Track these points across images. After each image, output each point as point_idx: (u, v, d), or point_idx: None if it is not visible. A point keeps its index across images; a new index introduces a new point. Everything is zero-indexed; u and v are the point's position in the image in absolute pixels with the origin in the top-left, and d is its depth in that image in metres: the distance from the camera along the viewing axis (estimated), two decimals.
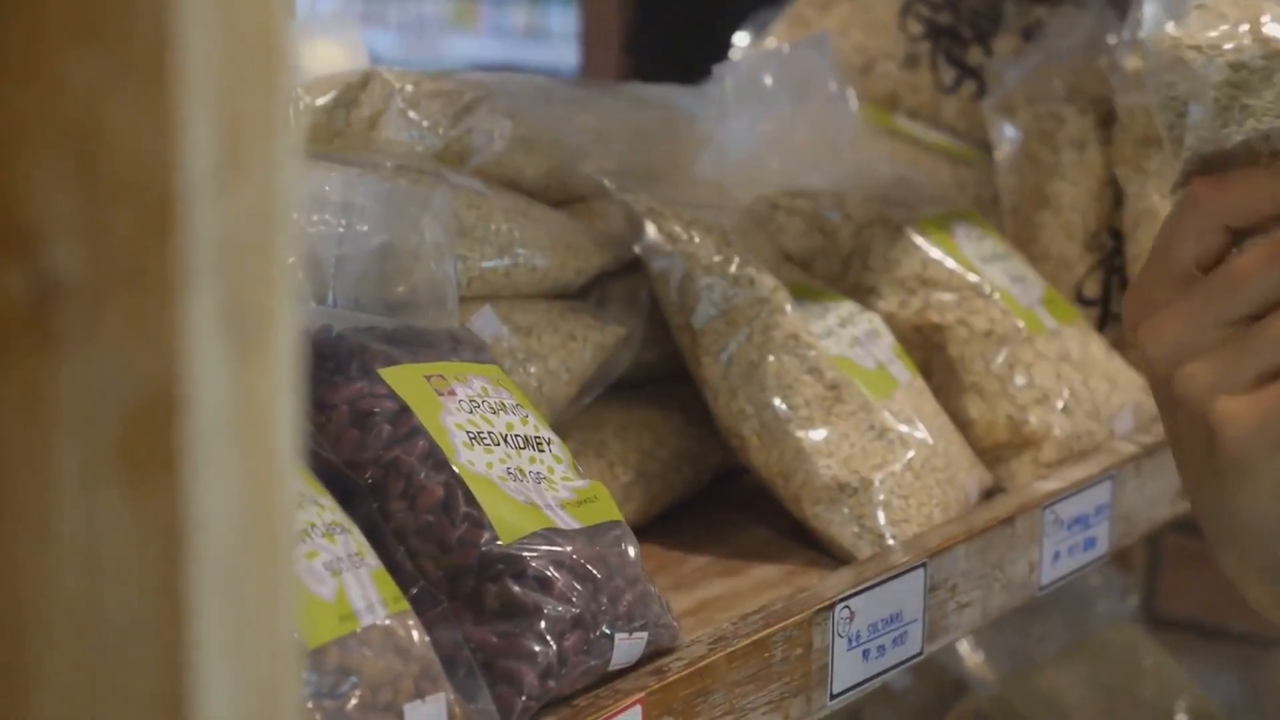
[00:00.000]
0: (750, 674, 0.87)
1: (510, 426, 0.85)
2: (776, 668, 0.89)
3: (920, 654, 1.00)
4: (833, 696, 0.93)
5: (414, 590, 0.79)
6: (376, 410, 0.82)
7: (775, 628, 0.89)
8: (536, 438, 0.86)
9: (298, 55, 0.40)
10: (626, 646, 0.82)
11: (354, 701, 0.71)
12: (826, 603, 0.93)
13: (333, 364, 0.83)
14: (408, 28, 6.06)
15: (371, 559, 0.77)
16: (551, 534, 0.81)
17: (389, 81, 1.06)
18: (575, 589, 0.80)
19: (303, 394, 0.42)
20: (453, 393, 0.84)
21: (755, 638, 0.88)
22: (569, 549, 0.81)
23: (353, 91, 1.07)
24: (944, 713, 1.68)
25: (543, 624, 0.78)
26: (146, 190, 0.39)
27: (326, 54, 1.33)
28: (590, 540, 0.83)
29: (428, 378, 0.84)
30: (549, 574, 0.79)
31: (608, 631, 0.81)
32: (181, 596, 0.40)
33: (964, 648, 1.68)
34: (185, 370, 0.40)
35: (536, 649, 0.78)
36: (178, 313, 0.39)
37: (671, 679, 0.83)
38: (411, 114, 1.05)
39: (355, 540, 0.77)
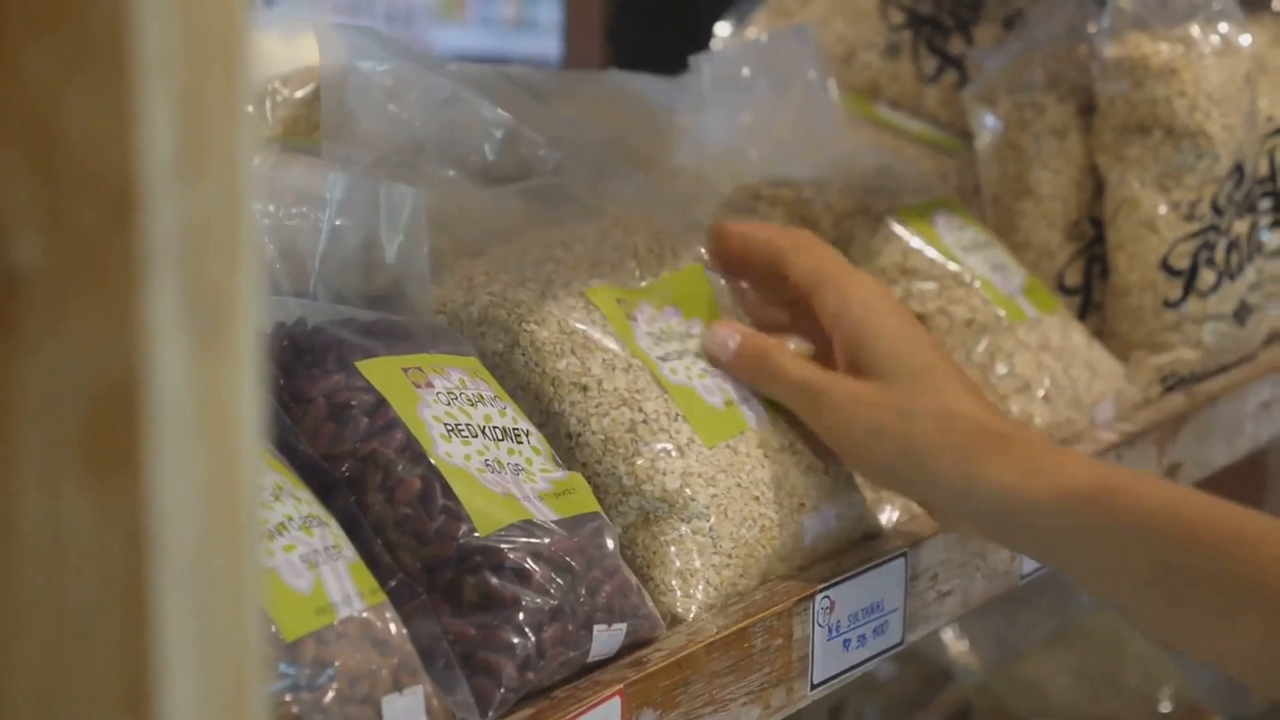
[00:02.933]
0: (730, 664, 0.87)
1: (488, 418, 0.85)
2: (757, 658, 0.89)
3: (901, 643, 1.00)
4: (813, 686, 0.93)
5: (392, 583, 0.79)
6: (353, 403, 0.81)
7: (755, 618, 0.89)
8: (515, 429, 0.86)
9: (258, 46, 0.40)
10: (605, 638, 0.82)
11: (331, 694, 0.71)
12: (806, 592, 0.93)
13: (310, 357, 0.83)
14: (395, 18, 6.06)
15: (349, 551, 0.77)
16: (529, 526, 0.81)
17: (368, 74, 1.06)
18: (553, 581, 0.80)
19: (266, 385, 0.42)
20: (430, 385, 0.84)
21: (735, 628, 0.88)
22: (547, 541, 0.81)
23: None
24: (929, 701, 1.68)
25: (521, 616, 0.78)
26: (106, 181, 0.39)
27: (306, 46, 1.33)
28: (569, 532, 0.83)
29: (405, 370, 0.84)
30: (527, 566, 0.79)
31: (586, 623, 0.81)
32: (144, 588, 0.40)
33: (948, 636, 1.68)
34: (147, 362, 0.39)
35: (515, 641, 0.78)
36: (139, 304, 0.39)
37: (651, 670, 0.83)
38: (391, 107, 1.05)
39: (332, 533, 0.77)
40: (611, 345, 0.93)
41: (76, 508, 0.40)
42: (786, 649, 0.91)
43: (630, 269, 0.98)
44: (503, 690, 0.77)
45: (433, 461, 0.81)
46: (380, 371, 0.83)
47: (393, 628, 0.75)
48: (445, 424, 0.83)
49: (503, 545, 0.79)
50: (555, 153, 1.05)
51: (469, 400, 0.85)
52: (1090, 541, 0.90)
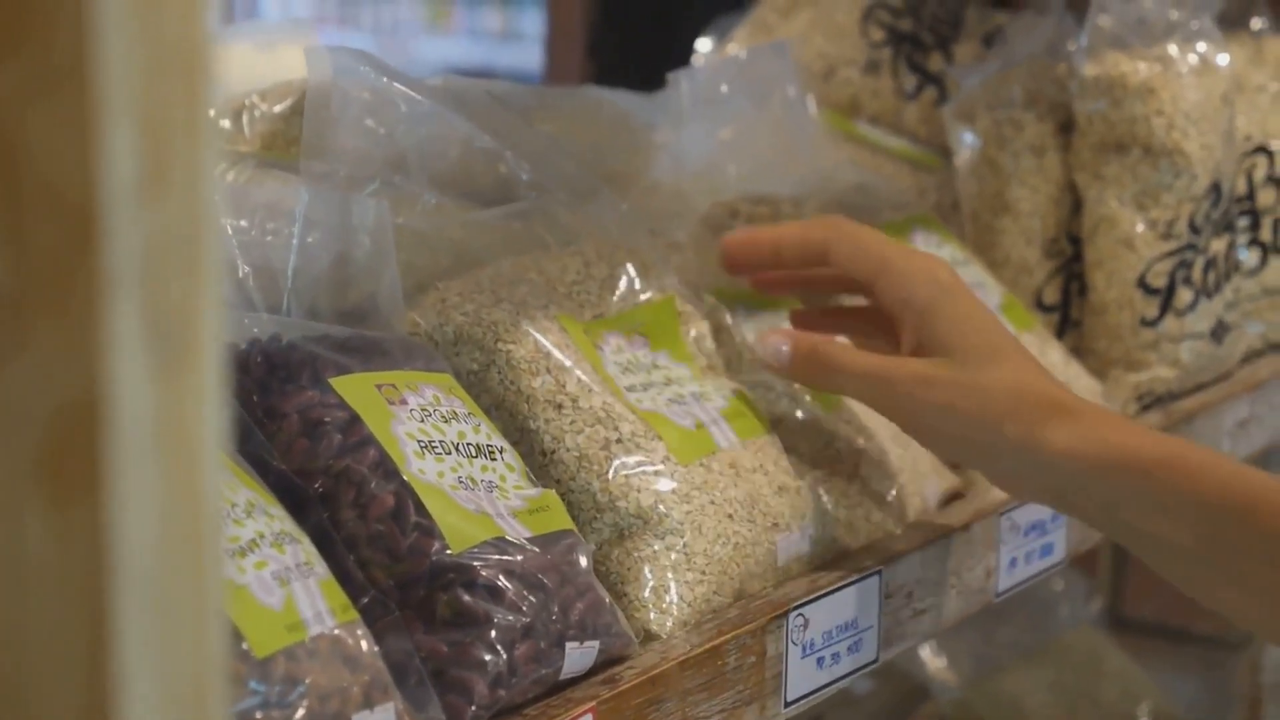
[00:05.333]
0: (703, 682, 0.87)
1: (462, 435, 0.85)
2: (730, 676, 0.89)
3: (876, 661, 1.00)
4: (787, 704, 0.93)
5: (364, 600, 0.79)
6: (327, 419, 0.81)
7: (728, 635, 0.89)
8: (489, 446, 0.86)
9: (221, 66, 0.40)
10: (578, 655, 0.82)
11: (302, 711, 0.71)
12: (780, 610, 0.93)
13: (284, 373, 0.83)
14: (381, 30, 6.06)
15: (320, 568, 0.77)
16: (502, 543, 0.81)
17: (345, 89, 1.06)
18: (526, 598, 0.80)
19: (232, 404, 0.42)
20: (404, 401, 0.84)
21: (708, 645, 0.88)
22: (520, 558, 0.81)
23: None
24: (906, 717, 1.68)
25: (493, 633, 0.78)
26: (69, 202, 0.39)
27: (286, 59, 1.33)
28: (542, 549, 0.83)
29: (379, 386, 0.84)
30: (499, 583, 0.79)
31: (559, 641, 0.81)
32: (106, 609, 0.40)
33: (926, 652, 1.68)
34: (109, 382, 0.39)
35: (487, 658, 0.78)
36: (101, 325, 0.39)
37: (623, 687, 0.83)
38: (368, 121, 1.05)
39: (304, 550, 0.77)
40: (584, 369, 0.93)
41: (37, 529, 0.40)
42: (760, 667, 0.91)
43: (603, 298, 0.98)
44: (474, 708, 0.77)
45: (406, 478, 0.81)
46: (354, 388, 0.83)
47: (364, 645, 0.75)
48: (419, 441, 0.83)
49: (475, 563, 0.79)
50: (537, 175, 1.05)
51: (443, 417, 0.85)
52: (1144, 510, 0.93)
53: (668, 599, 0.89)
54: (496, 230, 1.02)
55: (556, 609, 0.81)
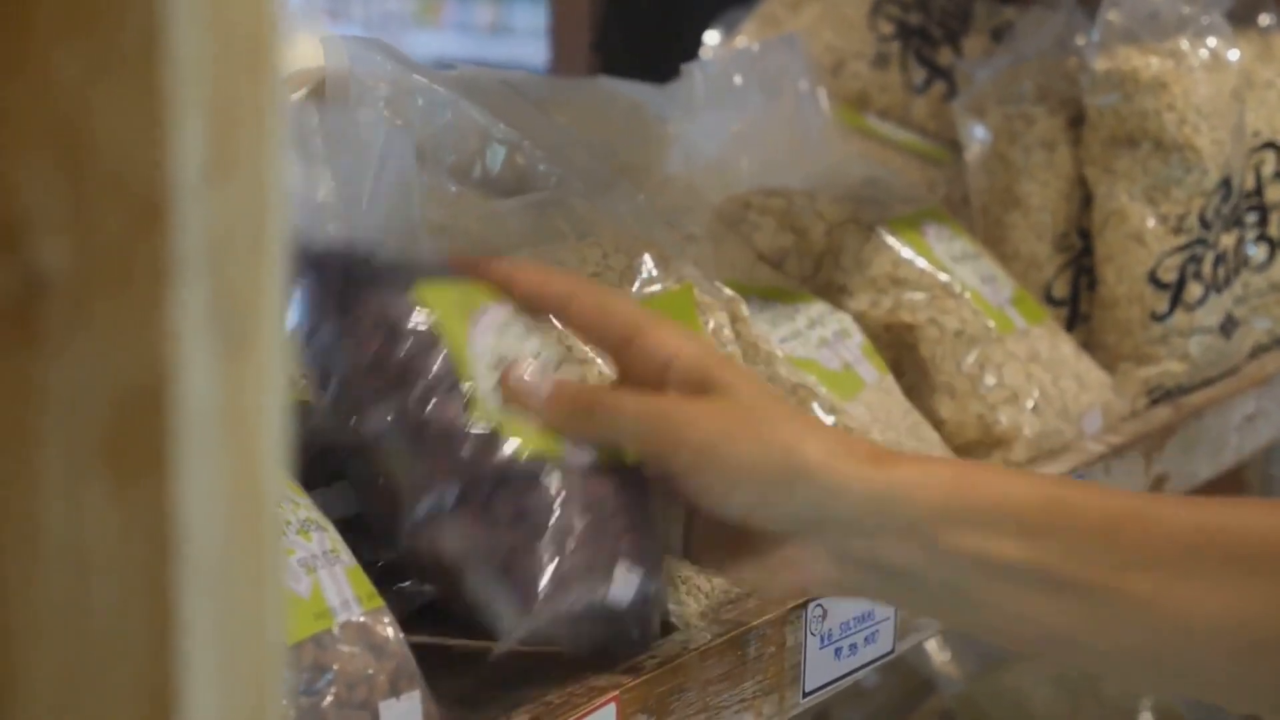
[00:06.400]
0: (723, 672, 0.88)
1: (545, 345, 0.84)
2: (750, 666, 0.89)
3: (891, 652, 1.00)
4: (805, 694, 0.94)
5: (430, 498, 0.78)
6: (407, 323, 0.80)
7: (748, 626, 0.90)
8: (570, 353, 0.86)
9: (287, 50, 0.40)
10: (623, 580, 0.80)
11: (329, 698, 0.71)
12: (799, 601, 0.93)
13: (361, 275, 0.81)
14: (372, 24, 6.06)
15: (346, 556, 0.77)
16: (566, 462, 0.80)
17: (362, 78, 1.06)
18: (584, 512, 0.78)
19: (290, 386, 0.42)
20: (485, 311, 0.83)
21: (729, 636, 0.88)
22: (580, 476, 0.80)
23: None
24: (912, 711, 1.68)
25: (550, 535, 0.77)
26: (135, 186, 0.39)
27: (299, 49, 1.33)
28: (604, 474, 0.81)
29: (459, 295, 0.83)
30: (561, 492, 0.78)
31: (610, 559, 0.79)
32: (169, 594, 0.40)
33: (932, 646, 1.68)
34: (173, 366, 0.39)
35: (545, 556, 0.77)
36: (165, 309, 0.39)
37: (646, 676, 0.83)
38: (385, 112, 1.05)
39: (330, 537, 0.77)
40: (605, 360, 0.93)
41: (100, 513, 0.40)
42: (779, 657, 0.91)
43: (622, 289, 0.98)
44: (537, 601, 0.76)
45: (476, 385, 0.79)
46: (434, 295, 0.81)
47: (390, 632, 0.75)
48: (495, 352, 0.82)
49: (538, 471, 0.78)
50: (555, 167, 1.05)
51: (519, 334, 0.84)
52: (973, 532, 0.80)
53: (686, 589, 0.90)
54: (514, 221, 1.02)
55: (609, 532, 0.80)
